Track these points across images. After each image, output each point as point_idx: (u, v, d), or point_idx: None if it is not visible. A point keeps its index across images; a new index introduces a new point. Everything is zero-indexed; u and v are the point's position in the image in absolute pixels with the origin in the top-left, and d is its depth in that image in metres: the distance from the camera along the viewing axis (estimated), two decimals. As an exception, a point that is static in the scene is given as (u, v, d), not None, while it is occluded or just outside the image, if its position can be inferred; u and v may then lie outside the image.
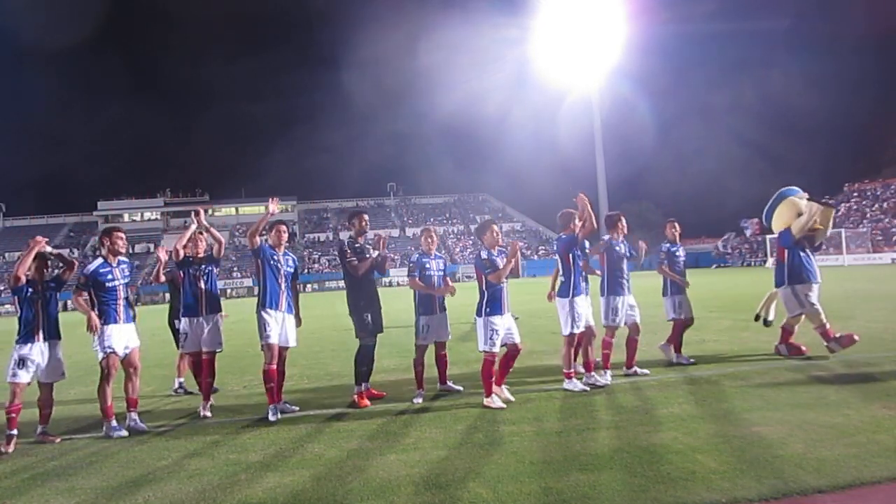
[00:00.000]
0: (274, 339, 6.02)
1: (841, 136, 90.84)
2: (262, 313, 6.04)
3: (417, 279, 6.62)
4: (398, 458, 4.48)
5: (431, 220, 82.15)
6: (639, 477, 3.79)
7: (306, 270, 69.33)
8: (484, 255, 6.17)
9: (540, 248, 73.48)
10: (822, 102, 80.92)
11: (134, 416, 5.94)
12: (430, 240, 6.84)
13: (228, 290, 60.80)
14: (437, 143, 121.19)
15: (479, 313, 6.13)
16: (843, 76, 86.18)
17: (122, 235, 6.14)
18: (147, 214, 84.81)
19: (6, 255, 71.50)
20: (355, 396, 6.37)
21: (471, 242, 74.74)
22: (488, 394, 5.98)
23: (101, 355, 5.75)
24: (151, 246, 75.07)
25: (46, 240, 5.89)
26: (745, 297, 16.09)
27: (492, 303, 6.07)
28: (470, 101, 78.95)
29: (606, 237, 7.23)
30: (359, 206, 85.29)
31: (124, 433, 5.69)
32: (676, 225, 8.05)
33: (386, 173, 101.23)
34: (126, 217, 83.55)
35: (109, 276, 5.90)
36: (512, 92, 79.72)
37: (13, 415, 5.44)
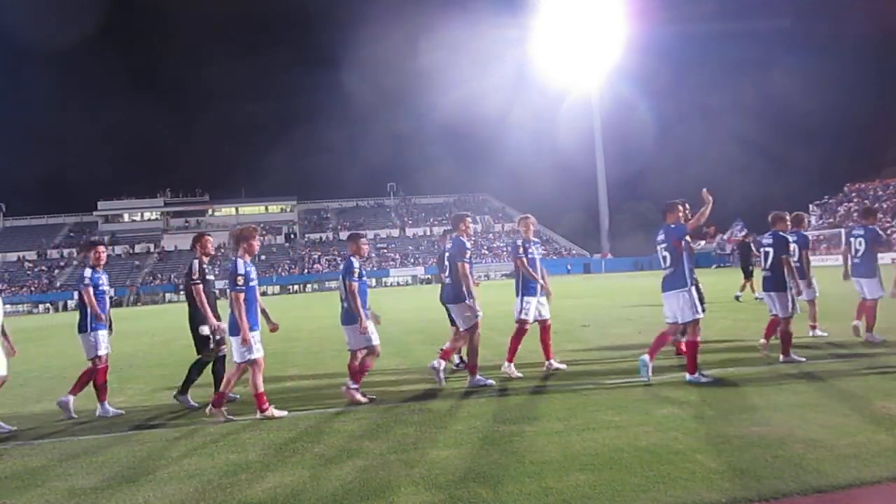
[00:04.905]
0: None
1: (841, 136, 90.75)
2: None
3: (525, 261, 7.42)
4: (399, 457, 4.48)
5: (431, 219, 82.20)
6: (639, 477, 3.79)
7: (306, 271, 69.33)
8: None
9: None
10: (822, 102, 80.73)
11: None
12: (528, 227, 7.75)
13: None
14: (437, 143, 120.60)
15: (685, 285, 6.38)
16: (843, 76, 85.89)
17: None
18: (147, 214, 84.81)
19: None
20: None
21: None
22: (693, 371, 6.31)
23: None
24: (151, 246, 75.08)
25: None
26: (746, 296, 16.09)
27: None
28: (470, 101, 78.74)
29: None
30: (359, 207, 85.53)
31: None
32: None
33: (386, 173, 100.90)
34: (126, 217, 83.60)
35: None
36: (512, 92, 79.73)
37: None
